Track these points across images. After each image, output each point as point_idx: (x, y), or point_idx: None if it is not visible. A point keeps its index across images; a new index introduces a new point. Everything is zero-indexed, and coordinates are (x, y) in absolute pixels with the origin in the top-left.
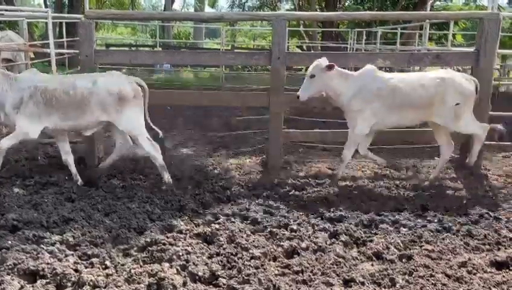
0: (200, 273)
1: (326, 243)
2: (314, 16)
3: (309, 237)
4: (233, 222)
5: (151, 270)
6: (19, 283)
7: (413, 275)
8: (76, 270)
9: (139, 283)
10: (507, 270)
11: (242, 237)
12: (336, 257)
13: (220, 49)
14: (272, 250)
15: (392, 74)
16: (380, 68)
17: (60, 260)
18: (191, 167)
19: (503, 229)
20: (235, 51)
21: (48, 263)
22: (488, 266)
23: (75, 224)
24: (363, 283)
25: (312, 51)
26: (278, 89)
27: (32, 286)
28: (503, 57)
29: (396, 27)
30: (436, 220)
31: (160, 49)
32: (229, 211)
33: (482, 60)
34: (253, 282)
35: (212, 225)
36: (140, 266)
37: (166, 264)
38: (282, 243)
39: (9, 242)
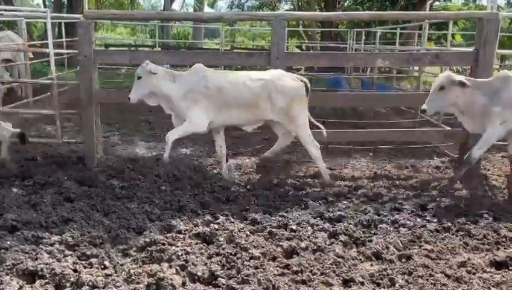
0: (199, 274)
1: (325, 243)
2: (313, 16)
3: (308, 237)
4: (233, 222)
5: (151, 271)
6: (17, 283)
7: (412, 275)
8: (75, 271)
9: (138, 283)
10: (506, 270)
11: (241, 237)
12: (335, 257)
13: (219, 49)
14: (271, 250)
15: (221, 73)
16: (379, 68)
17: (59, 260)
18: (190, 167)
19: (503, 229)
20: (235, 51)
21: (46, 263)
22: (487, 266)
23: (74, 224)
24: (362, 283)
25: (311, 51)
26: None
27: (31, 286)
28: (503, 57)
29: (396, 27)
30: (435, 220)
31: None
32: (228, 211)
33: (481, 60)
34: (253, 282)
35: (212, 225)
36: (140, 266)
37: (166, 265)
38: (281, 243)
39: (8, 242)
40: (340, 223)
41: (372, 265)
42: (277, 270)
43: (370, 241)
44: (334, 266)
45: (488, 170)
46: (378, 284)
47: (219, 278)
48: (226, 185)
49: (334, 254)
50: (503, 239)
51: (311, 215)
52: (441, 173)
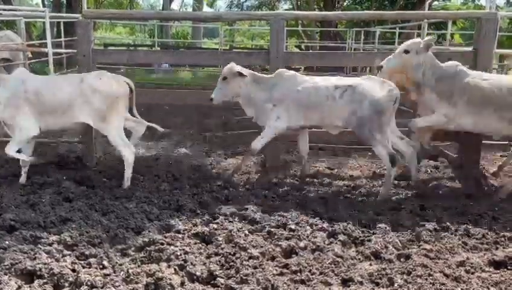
0: (198, 273)
1: (324, 243)
2: (312, 15)
3: (307, 236)
4: (232, 222)
5: (149, 270)
6: (16, 283)
7: (411, 275)
8: (73, 270)
9: (136, 283)
10: (505, 269)
11: (240, 236)
12: (334, 257)
13: (218, 49)
14: (270, 250)
15: (39, 77)
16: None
17: (57, 260)
18: (189, 167)
19: (502, 228)
20: (234, 50)
21: (45, 263)
22: (486, 265)
23: (73, 224)
24: (361, 283)
25: (310, 51)
26: None
27: (30, 286)
28: (501, 57)
29: (395, 27)
30: (434, 220)
31: (158, 48)
32: (227, 210)
33: (480, 59)
34: (251, 282)
35: (210, 224)
36: (138, 266)
37: (164, 264)
38: (280, 243)
39: (7, 242)
40: (339, 223)
41: (371, 265)
42: (276, 270)
43: (369, 240)
44: (333, 265)
45: (487, 169)
46: (377, 284)
47: (218, 278)
48: (225, 185)
49: (333, 253)
50: (502, 239)
51: (310, 214)
52: (439, 173)
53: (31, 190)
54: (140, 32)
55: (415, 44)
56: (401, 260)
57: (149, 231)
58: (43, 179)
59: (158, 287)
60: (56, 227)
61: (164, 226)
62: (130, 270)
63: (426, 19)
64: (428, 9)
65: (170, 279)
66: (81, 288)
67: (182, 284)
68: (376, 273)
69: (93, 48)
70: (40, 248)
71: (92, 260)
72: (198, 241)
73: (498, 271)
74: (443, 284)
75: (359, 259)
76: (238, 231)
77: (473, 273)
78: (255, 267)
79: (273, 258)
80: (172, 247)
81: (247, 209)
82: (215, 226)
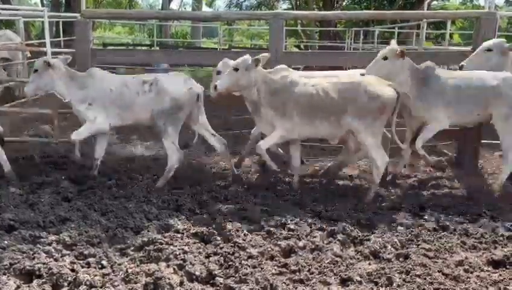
0: (197, 273)
1: (323, 242)
2: (311, 15)
3: (306, 236)
4: (231, 221)
5: (148, 270)
6: (15, 282)
7: (410, 274)
8: (72, 270)
9: (135, 283)
10: (504, 269)
11: (239, 236)
12: (333, 256)
13: (217, 49)
14: (269, 249)
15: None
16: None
17: (56, 259)
18: (188, 166)
19: (500, 228)
20: (233, 50)
21: (44, 263)
22: (484, 264)
23: (72, 224)
24: (360, 282)
25: (310, 50)
26: None
27: (29, 286)
28: None
29: (394, 26)
30: (433, 219)
31: (157, 48)
32: (227, 210)
33: None
34: (250, 281)
35: (209, 224)
36: (137, 266)
37: (163, 264)
38: (279, 243)
39: (6, 242)
40: (338, 222)
41: (370, 264)
42: (275, 269)
43: (368, 240)
44: (332, 265)
45: (485, 168)
46: (376, 283)
47: (217, 278)
48: (224, 185)
49: (332, 253)
50: (501, 238)
51: (309, 214)
52: (439, 172)
53: (30, 190)
54: (139, 31)
55: (243, 61)
56: (400, 259)
57: (148, 231)
58: (42, 179)
59: (157, 287)
60: (55, 227)
61: (163, 225)
62: (129, 270)
63: (425, 19)
64: (427, 9)
65: (169, 279)
66: (80, 288)
67: (181, 283)
68: (375, 273)
69: (92, 47)
70: (39, 248)
71: (91, 259)
72: (197, 240)
73: (497, 270)
74: (442, 283)
75: (358, 259)
76: (237, 230)
77: (471, 272)
78: (254, 267)
79: (272, 258)
80: (171, 247)
81: (246, 209)
82: (214, 225)
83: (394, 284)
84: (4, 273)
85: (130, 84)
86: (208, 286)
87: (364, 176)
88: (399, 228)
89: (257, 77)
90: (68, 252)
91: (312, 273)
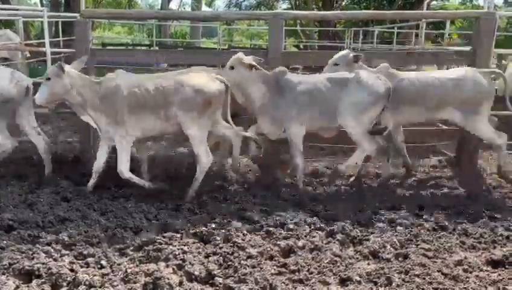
0: (196, 273)
1: (322, 242)
2: (311, 15)
3: (305, 236)
4: (230, 221)
5: (148, 270)
6: (14, 282)
7: (409, 274)
8: (71, 270)
9: (135, 283)
10: (503, 268)
11: (238, 236)
12: (333, 256)
13: (217, 49)
14: (269, 249)
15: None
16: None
17: (55, 259)
18: (187, 166)
19: (499, 228)
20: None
21: (43, 263)
22: (484, 264)
23: (71, 224)
24: (359, 282)
25: (309, 50)
26: None
27: (28, 286)
28: (500, 57)
29: (393, 26)
30: (432, 219)
31: (157, 48)
32: (226, 210)
33: (478, 59)
34: (250, 281)
35: (209, 224)
36: (137, 266)
37: (163, 264)
38: (278, 242)
39: (5, 242)
40: (337, 222)
41: (369, 264)
42: (274, 269)
43: (367, 240)
44: (331, 265)
45: (485, 168)
46: (375, 283)
47: (216, 278)
48: (223, 185)
49: (331, 253)
50: (500, 238)
51: (309, 214)
52: (438, 172)
53: (29, 190)
54: (138, 31)
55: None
56: (399, 259)
57: (147, 231)
58: (41, 179)
59: (156, 287)
60: (54, 227)
61: (162, 225)
62: (128, 270)
63: (425, 19)
64: (427, 9)
65: (168, 278)
66: (79, 288)
67: (181, 283)
68: (374, 273)
69: (92, 47)
70: (38, 248)
71: (90, 259)
72: (196, 240)
73: (496, 270)
74: (441, 283)
75: (357, 258)
76: (237, 230)
77: (470, 272)
78: (253, 267)
79: (271, 258)
80: (170, 246)
81: (245, 209)
82: (213, 225)
83: (393, 284)
84: (3, 273)
85: None
86: (207, 285)
87: (364, 176)
88: (398, 227)
89: (74, 81)
90: (67, 252)
91: (311, 273)
